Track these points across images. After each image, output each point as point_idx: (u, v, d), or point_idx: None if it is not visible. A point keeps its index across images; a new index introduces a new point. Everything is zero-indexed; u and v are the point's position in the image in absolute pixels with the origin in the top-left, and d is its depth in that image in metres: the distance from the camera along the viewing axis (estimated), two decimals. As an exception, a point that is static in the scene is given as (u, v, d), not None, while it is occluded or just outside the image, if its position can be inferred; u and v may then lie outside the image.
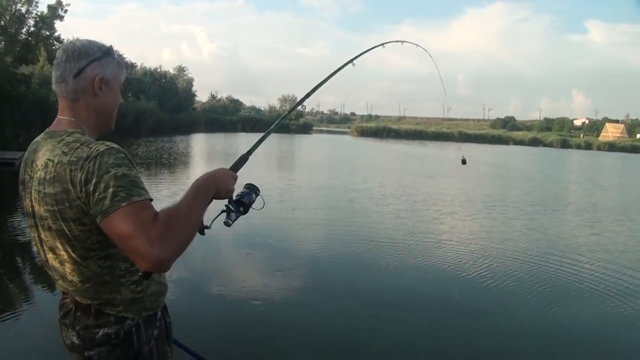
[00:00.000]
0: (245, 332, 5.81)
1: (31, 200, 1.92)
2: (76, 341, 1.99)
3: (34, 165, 1.91)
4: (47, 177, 1.81)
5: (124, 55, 54.27)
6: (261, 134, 2.68)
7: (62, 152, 1.80)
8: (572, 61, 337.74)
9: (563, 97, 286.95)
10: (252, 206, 2.27)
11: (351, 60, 3.24)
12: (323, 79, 3.04)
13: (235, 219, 2.20)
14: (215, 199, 2.02)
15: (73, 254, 1.87)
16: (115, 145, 1.81)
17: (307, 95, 2.97)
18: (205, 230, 2.06)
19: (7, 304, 6.46)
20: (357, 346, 5.58)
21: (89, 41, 1.99)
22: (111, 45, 2.04)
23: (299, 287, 7.44)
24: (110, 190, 1.69)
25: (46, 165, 1.82)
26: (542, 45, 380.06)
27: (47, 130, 1.99)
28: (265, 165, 25.23)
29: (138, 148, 29.04)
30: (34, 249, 8.49)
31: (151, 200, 1.77)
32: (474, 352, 5.62)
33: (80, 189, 1.73)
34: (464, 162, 20.51)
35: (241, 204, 2.22)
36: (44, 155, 1.86)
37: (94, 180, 1.71)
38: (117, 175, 1.71)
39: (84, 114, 1.97)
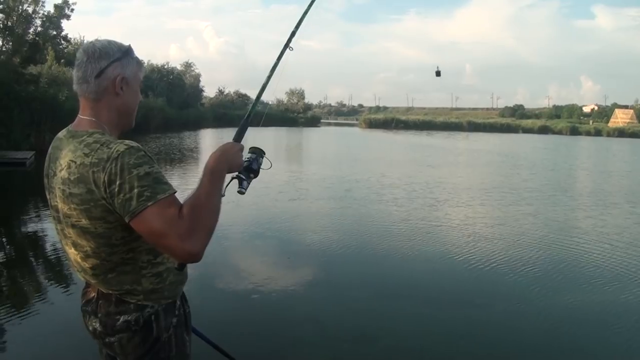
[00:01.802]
0: (256, 322, 5.90)
1: (55, 196, 1.97)
2: (98, 328, 2.06)
3: (57, 162, 1.95)
4: (72, 178, 1.85)
5: (131, 53, 54.49)
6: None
7: (84, 153, 1.84)
8: (580, 47, 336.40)
9: (572, 84, 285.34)
10: (261, 167, 2.33)
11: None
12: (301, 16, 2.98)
13: (248, 186, 2.26)
14: (227, 173, 2.09)
15: (97, 250, 1.93)
16: (134, 144, 1.85)
17: (294, 30, 2.86)
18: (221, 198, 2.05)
19: (22, 298, 6.57)
20: (368, 337, 5.61)
21: (109, 41, 2.00)
22: (130, 45, 2.06)
23: (309, 279, 7.52)
24: (136, 190, 1.75)
25: (69, 166, 1.87)
26: (549, 32, 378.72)
27: (69, 128, 2.03)
28: (274, 158, 25.25)
29: (147, 145, 29.17)
30: (47, 245, 8.68)
31: (175, 192, 1.85)
32: (485, 342, 5.63)
33: (104, 190, 1.78)
34: (438, 73, 20.34)
35: (251, 171, 2.27)
36: (66, 156, 1.90)
37: (117, 182, 1.76)
38: (140, 175, 1.77)
39: (105, 114, 2.00)
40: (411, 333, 5.79)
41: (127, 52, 2.02)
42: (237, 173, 2.21)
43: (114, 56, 1.96)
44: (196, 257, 1.83)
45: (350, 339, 5.57)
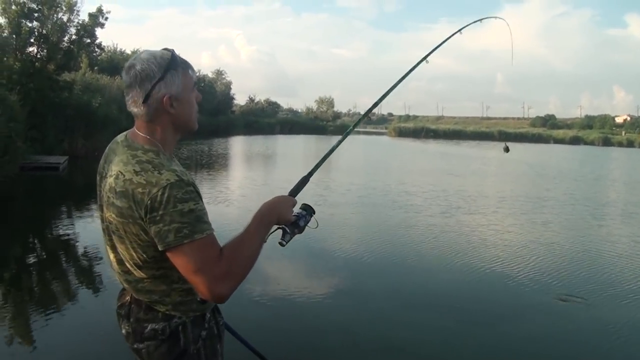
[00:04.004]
0: (284, 328, 6.01)
1: (102, 198, 2.01)
2: (130, 332, 2.09)
3: (110, 166, 1.98)
4: (117, 190, 1.87)
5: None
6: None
7: (134, 170, 1.85)
8: (613, 56, 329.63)
9: (604, 94, 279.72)
10: (308, 225, 2.33)
11: (424, 58, 3.23)
12: (395, 81, 3.03)
13: (290, 240, 2.26)
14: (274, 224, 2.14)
15: (130, 260, 1.98)
16: (185, 177, 1.87)
17: (377, 103, 2.97)
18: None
19: (54, 301, 6.74)
20: (395, 348, 5.62)
21: (149, 58, 1.93)
22: (172, 54, 1.98)
23: (337, 287, 7.58)
24: (175, 225, 1.78)
25: (117, 177, 1.88)
26: (581, 41, 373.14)
27: (127, 135, 2.04)
28: (299, 165, 25.38)
29: (177, 151, 29.41)
30: (79, 250, 8.85)
31: (213, 231, 1.87)
32: (516, 357, 5.61)
33: (145, 213, 1.80)
34: (506, 149, 20.06)
35: (297, 226, 2.26)
36: (118, 164, 1.92)
37: (160, 212, 1.78)
38: (184, 212, 1.79)
39: (159, 132, 1.99)
40: (439, 345, 5.79)
41: (168, 66, 1.94)
42: (283, 225, 2.24)
43: (155, 77, 1.91)
44: (223, 300, 1.89)
45: (377, 348, 5.60)
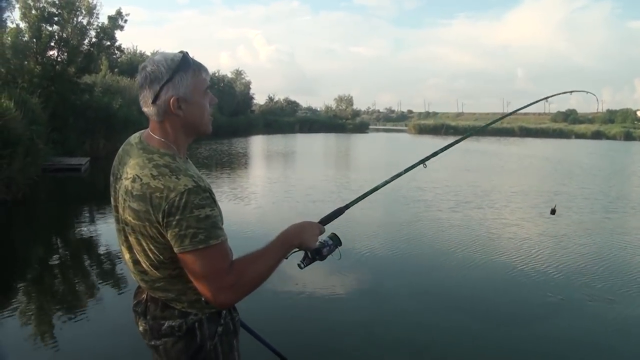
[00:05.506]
0: (304, 327, 6.05)
1: (117, 199, 2.04)
2: (147, 329, 2.14)
3: (125, 168, 2.00)
4: (134, 193, 1.90)
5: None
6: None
7: (152, 174, 1.88)
8: (634, 49, 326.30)
9: (626, 88, 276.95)
10: (331, 254, 2.37)
11: (511, 113, 3.69)
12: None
13: (308, 265, 2.32)
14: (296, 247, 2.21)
15: (146, 261, 2.01)
16: (202, 183, 1.91)
17: (454, 143, 3.28)
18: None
19: (77, 300, 6.88)
20: (417, 349, 5.61)
21: (159, 61, 1.96)
22: (183, 56, 1.99)
23: (358, 286, 7.56)
24: (191, 230, 1.82)
25: (134, 180, 1.91)
26: (602, 34, 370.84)
27: (141, 137, 2.07)
28: (316, 162, 25.38)
29: (197, 151, 29.62)
30: (101, 250, 8.96)
31: (226, 239, 1.93)
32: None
33: (161, 218, 1.84)
34: (553, 212, 19.72)
35: (319, 253, 2.31)
36: (134, 167, 1.94)
37: (177, 217, 1.82)
38: (200, 217, 1.84)
39: (172, 133, 2.02)
40: (460, 345, 5.74)
41: (177, 68, 1.95)
42: (305, 250, 2.28)
43: (163, 78, 1.93)
44: (223, 307, 2.05)
45: (397, 348, 5.59)
